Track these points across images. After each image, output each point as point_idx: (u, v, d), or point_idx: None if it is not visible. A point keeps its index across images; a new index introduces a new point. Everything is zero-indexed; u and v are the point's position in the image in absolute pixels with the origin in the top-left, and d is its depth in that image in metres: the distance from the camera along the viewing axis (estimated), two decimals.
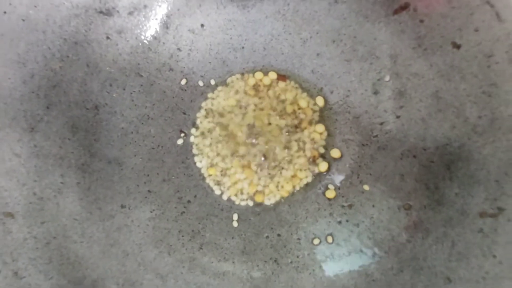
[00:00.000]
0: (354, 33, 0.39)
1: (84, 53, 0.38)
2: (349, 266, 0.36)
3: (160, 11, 0.40)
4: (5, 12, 0.35)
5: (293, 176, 0.39)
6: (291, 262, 0.37)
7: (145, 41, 0.40)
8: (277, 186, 0.39)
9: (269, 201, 0.39)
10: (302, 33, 0.40)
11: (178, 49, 0.40)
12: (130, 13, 0.39)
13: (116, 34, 0.39)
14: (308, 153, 0.39)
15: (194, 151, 0.40)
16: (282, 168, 0.39)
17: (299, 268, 0.36)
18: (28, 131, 0.36)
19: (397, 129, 0.37)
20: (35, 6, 0.36)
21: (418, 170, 0.36)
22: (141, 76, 0.40)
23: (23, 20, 0.36)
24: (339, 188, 0.38)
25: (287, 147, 0.39)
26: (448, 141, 0.35)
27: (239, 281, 0.36)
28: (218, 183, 0.40)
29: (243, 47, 0.41)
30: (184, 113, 0.41)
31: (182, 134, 0.40)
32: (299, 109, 0.40)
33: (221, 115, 0.40)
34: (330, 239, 0.37)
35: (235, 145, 0.40)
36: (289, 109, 0.40)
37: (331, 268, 0.36)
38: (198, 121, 0.41)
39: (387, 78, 0.38)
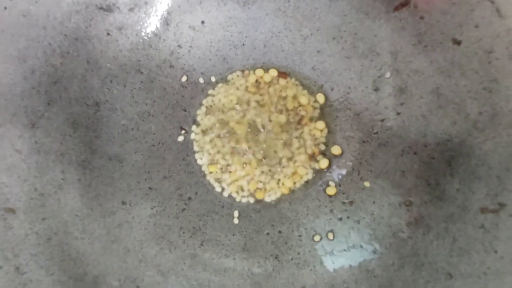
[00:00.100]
0: (354, 30, 0.39)
1: (84, 49, 0.38)
2: (350, 263, 0.36)
3: (160, 8, 0.39)
4: (5, 8, 0.35)
5: (294, 173, 0.39)
6: (292, 258, 0.37)
7: (146, 37, 0.40)
8: (277, 183, 0.39)
9: (269, 198, 0.39)
10: (303, 30, 0.40)
11: (179, 46, 0.40)
12: (131, 10, 0.39)
13: (117, 30, 0.39)
14: (309, 150, 0.39)
15: (195, 148, 0.40)
16: (283, 165, 0.39)
17: (300, 265, 0.36)
18: (29, 127, 0.36)
19: (398, 125, 0.37)
20: (36, 2, 0.36)
21: (419, 166, 0.36)
22: (142, 72, 0.40)
23: (24, 16, 0.36)
24: (339, 185, 0.38)
25: (287, 144, 0.39)
26: (449, 137, 0.35)
27: (240, 278, 0.36)
28: (219, 180, 0.40)
29: (243, 44, 0.41)
30: (185, 110, 0.41)
31: (183, 131, 0.40)
32: (299, 106, 0.40)
33: (222, 112, 0.40)
34: (331, 235, 0.37)
35: (236, 142, 0.40)
36: (290, 106, 0.40)
37: (332, 264, 0.36)
38: (198, 118, 0.41)
39: (387, 74, 0.38)
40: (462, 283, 0.32)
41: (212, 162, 0.40)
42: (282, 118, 0.40)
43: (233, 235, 0.38)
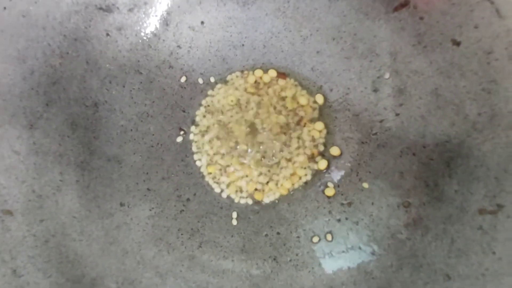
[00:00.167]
0: (354, 30, 0.39)
1: (83, 50, 0.38)
2: (349, 264, 0.36)
3: (160, 8, 0.39)
4: (5, 8, 0.35)
5: (293, 174, 0.39)
6: (290, 260, 0.37)
7: (145, 38, 0.40)
8: (276, 184, 0.39)
9: (268, 199, 0.39)
10: (302, 31, 0.40)
11: (178, 46, 0.40)
12: (130, 10, 0.39)
13: (116, 31, 0.39)
14: (308, 151, 0.39)
15: (194, 149, 0.40)
16: (282, 166, 0.39)
17: (299, 266, 0.36)
18: (27, 128, 0.36)
19: (397, 126, 0.37)
20: (35, 2, 0.36)
21: (418, 167, 0.36)
22: (141, 73, 0.40)
23: (23, 16, 0.36)
24: (338, 186, 0.38)
25: (286, 145, 0.39)
26: (448, 138, 0.35)
27: (238, 279, 0.36)
28: (218, 181, 0.40)
29: (243, 45, 0.41)
30: (184, 111, 0.40)
31: (182, 132, 0.40)
32: (298, 106, 0.40)
33: (221, 112, 0.40)
34: (329, 237, 0.37)
35: (235, 143, 0.40)
36: (289, 106, 0.40)
37: (331, 266, 0.36)
38: (197, 119, 0.40)
39: (386, 75, 0.38)
40: (460, 285, 0.32)
41: (210, 163, 0.40)
42: (281, 118, 0.40)
43: (232, 236, 0.38)
